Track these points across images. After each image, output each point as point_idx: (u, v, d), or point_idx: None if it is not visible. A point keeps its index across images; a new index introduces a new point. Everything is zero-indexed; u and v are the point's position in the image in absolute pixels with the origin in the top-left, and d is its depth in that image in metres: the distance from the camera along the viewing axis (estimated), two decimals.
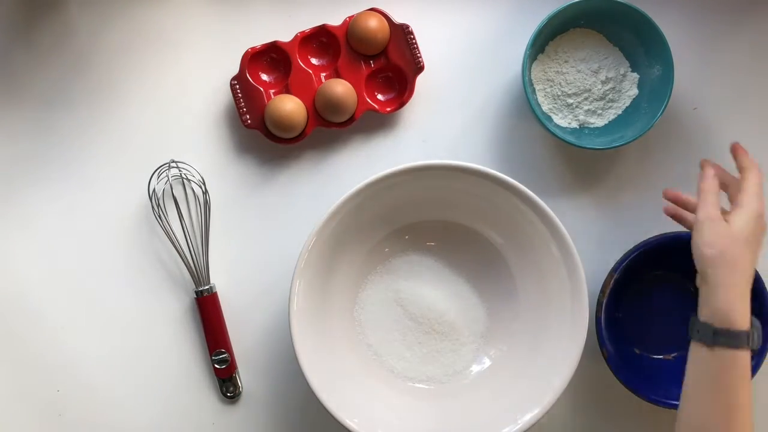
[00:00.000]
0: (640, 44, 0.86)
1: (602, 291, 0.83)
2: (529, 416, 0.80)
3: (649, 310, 0.88)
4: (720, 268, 0.70)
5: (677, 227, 0.85)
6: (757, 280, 0.82)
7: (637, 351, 0.88)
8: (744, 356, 0.68)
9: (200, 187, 0.89)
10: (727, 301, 0.69)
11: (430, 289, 0.88)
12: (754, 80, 0.89)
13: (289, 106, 0.86)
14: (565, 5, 0.83)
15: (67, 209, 0.90)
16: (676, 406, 0.82)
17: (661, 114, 0.83)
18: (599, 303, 0.83)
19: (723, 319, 0.69)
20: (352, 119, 0.88)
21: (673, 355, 0.88)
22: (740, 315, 0.69)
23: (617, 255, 0.85)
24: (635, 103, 0.88)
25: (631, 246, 0.84)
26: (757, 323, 0.71)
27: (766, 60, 0.90)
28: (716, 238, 0.71)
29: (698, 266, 0.72)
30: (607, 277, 0.83)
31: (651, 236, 0.84)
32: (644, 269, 0.86)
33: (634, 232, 0.87)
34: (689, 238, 0.82)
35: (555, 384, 0.80)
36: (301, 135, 0.88)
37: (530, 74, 0.87)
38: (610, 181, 0.90)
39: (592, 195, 0.90)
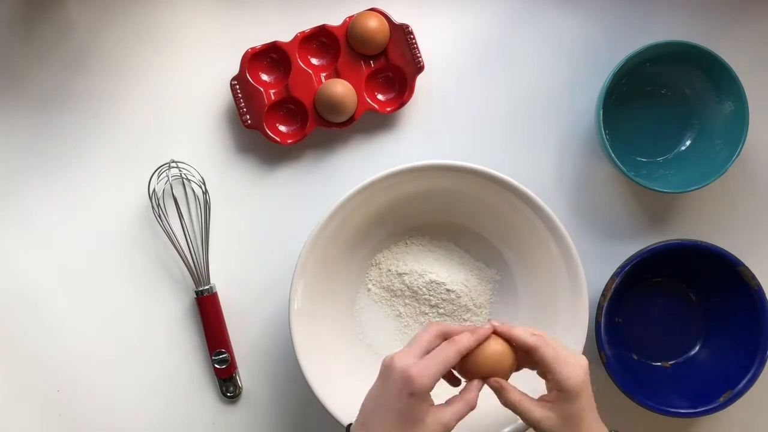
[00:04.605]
0: (709, 80, 0.85)
1: (603, 295, 0.83)
2: None
3: (649, 317, 0.89)
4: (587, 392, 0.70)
5: (678, 235, 0.85)
6: (758, 294, 0.82)
7: (636, 357, 0.88)
8: None
9: (200, 187, 0.89)
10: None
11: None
12: (754, 80, 0.89)
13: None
14: (638, 49, 0.82)
15: (66, 209, 0.89)
16: (672, 413, 0.82)
17: (738, 154, 0.82)
18: (600, 307, 0.83)
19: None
20: (352, 119, 0.88)
21: (670, 362, 0.88)
22: None
23: (619, 260, 0.85)
24: (707, 139, 0.87)
25: (633, 252, 0.84)
26: None
27: (767, 60, 0.90)
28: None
29: (575, 390, 0.69)
30: (608, 282, 0.83)
31: (653, 243, 0.84)
32: (645, 275, 0.86)
33: (637, 237, 0.88)
34: (690, 247, 0.82)
35: None
36: (302, 134, 0.88)
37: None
38: (605, 178, 0.90)
39: (590, 192, 0.90)
